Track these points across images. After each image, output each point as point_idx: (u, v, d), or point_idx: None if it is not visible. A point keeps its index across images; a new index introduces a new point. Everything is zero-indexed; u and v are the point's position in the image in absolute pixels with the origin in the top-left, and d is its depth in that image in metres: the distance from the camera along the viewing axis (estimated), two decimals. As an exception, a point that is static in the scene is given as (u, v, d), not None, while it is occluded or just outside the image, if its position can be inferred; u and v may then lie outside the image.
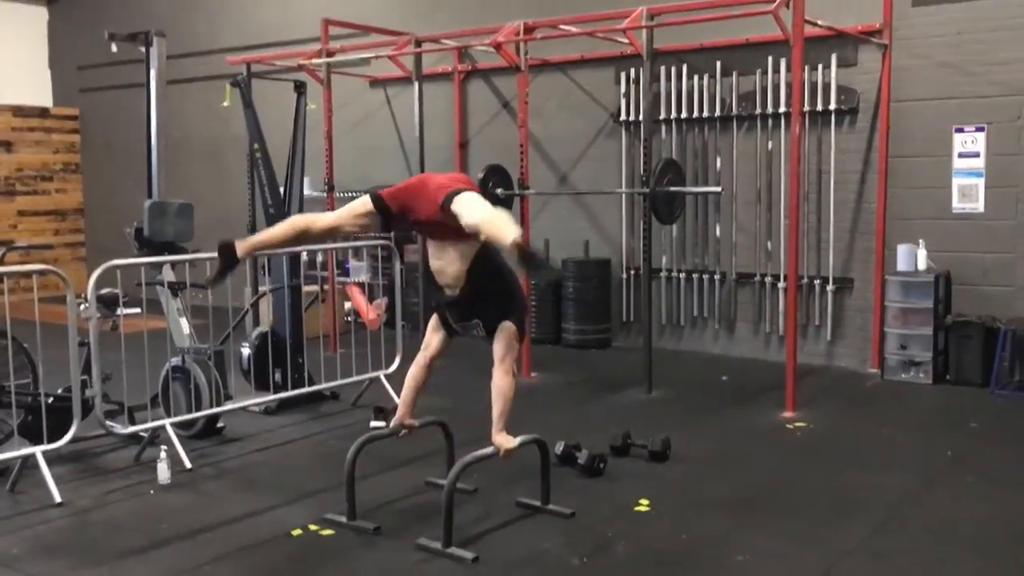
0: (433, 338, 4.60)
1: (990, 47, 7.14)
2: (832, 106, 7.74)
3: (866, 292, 7.80)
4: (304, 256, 7.98)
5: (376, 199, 4.36)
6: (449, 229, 4.20)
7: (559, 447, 5.23)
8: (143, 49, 6.25)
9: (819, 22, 6.91)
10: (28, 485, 4.96)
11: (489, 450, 4.35)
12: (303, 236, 4.55)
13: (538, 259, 4.34)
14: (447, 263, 4.34)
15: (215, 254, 4.51)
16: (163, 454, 5.12)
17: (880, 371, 7.49)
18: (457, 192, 4.16)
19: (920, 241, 7.36)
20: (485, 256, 4.33)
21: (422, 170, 9.10)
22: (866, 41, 7.54)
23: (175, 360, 5.90)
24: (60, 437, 5.02)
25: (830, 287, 7.94)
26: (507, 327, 4.38)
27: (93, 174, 13.64)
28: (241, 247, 4.48)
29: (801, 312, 7.93)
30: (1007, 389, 6.93)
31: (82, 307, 5.12)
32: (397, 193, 4.37)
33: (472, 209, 4.08)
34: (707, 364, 8.21)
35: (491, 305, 4.40)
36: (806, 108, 7.72)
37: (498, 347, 4.35)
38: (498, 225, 3.99)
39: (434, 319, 4.61)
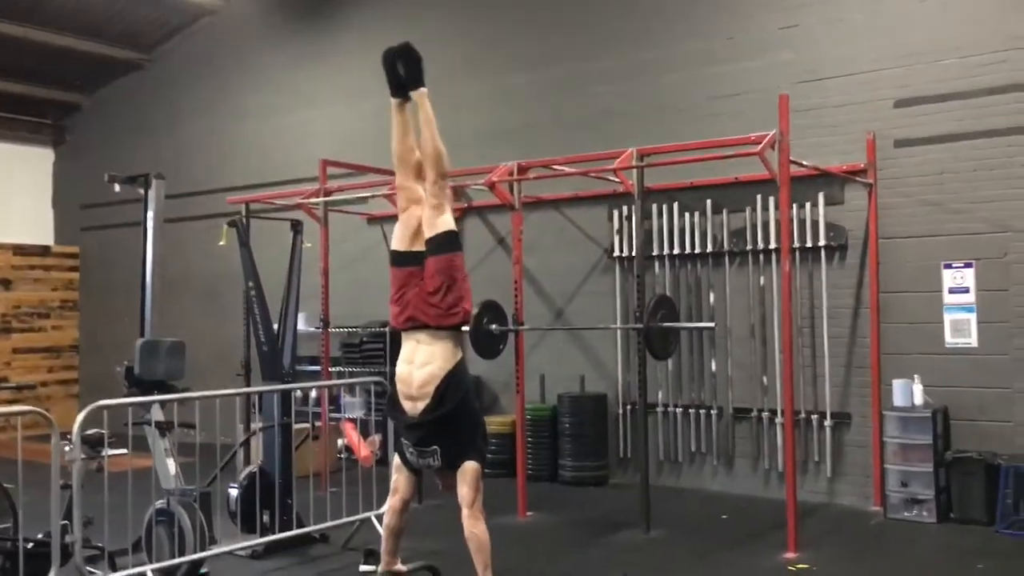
0: (399, 480, 4.53)
1: (973, 185, 7.31)
2: (821, 242, 7.86)
3: (864, 427, 7.72)
4: (298, 393, 7.93)
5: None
6: (436, 297, 4.23)
7: (553, 593, 5.05)
8: (142, 191, 6.38)
9: (804, 162, 7.10)
10: (0, 636, 4.76)
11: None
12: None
13: None
14: (420, 362, 4.30)
15: (207, 392, 4.47)
16: (143, 602, 4.93)
17: (883, 509, 7.33)
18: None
19: (915, 376, 7.33)
20: (460, 373, 4.31)
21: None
22: (852, 180, 7.73)
23: (160, 503, 5.76)
24: (37, 584, 4.84)
25: (828, 422, 7.86)
26: (471, 468, 4.31)
27: (90, 311, 13.71)
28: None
29: (800, 448, 7.82)
30: (1012, 528, 6.75)
31: (67, 448, 5.03)
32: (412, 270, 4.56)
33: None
34: (706, 502, 8.03)
35: (453, 434, 4.32)
36: (796, 244, 7.83)
37: (464, 490, 4.27)
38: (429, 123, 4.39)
39: (396, 459, 4.55)
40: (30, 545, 5.18)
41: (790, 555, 6.19)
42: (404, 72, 4.60)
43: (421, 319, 4.38)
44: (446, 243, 4.49)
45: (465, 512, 4.21)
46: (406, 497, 4.49)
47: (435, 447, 4.29)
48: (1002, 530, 6.72)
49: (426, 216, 4.53)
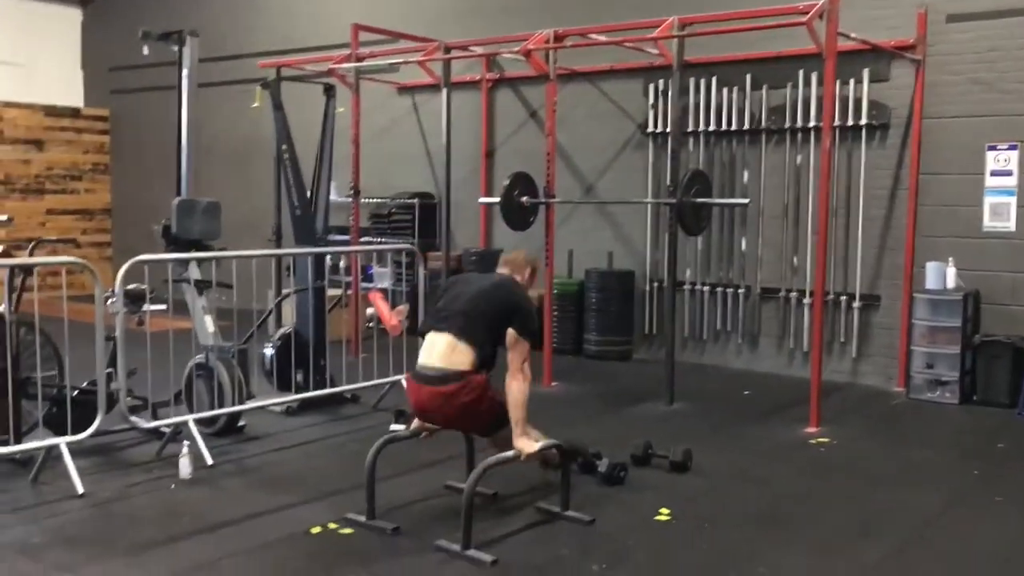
0: None
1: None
2: (863, 121, 7.68)
3: (893, 310, 7.72)
4: (328, 260, 8.01)
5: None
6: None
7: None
8: (176, 49, 6.29)
9: (852, 35, 6.87)
10: (51, 476, 4.99)
11: (510, 454, 4.33)
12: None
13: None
14: None
15: (243, 252, 4.55)
16: (185, 450, 5.13)
17: (906, 390, 7.41)
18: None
19: (949, 259, 7.28)
20: None
21: (448, 180, 9.11)
22: (899, 56, 7.49)
23: (199, 358, 5.92)
24: (84, 430, 5.04)
25: (856, 304, 7.87)
26: (510, 334, 4.37)
27: (121, 174, 13.77)
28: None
29: (826, 328, 7.85)
30: (1035, 411, 6.83)
31: (109, 302, 5.15)
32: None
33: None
34: (729, 378, 8.15)
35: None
36: (836, 123, 7.65)
37: (511, 356, 4.35)
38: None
39: None
40: (76, 392, 5.37)
41: (811, 430, 6.30)
42: None
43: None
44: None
45: (508, 373, 4.31)
46: None
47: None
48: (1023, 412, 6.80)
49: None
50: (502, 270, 4.76)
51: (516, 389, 4.27)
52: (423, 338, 4.54)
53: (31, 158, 12.98)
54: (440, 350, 4.38)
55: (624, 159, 9.13)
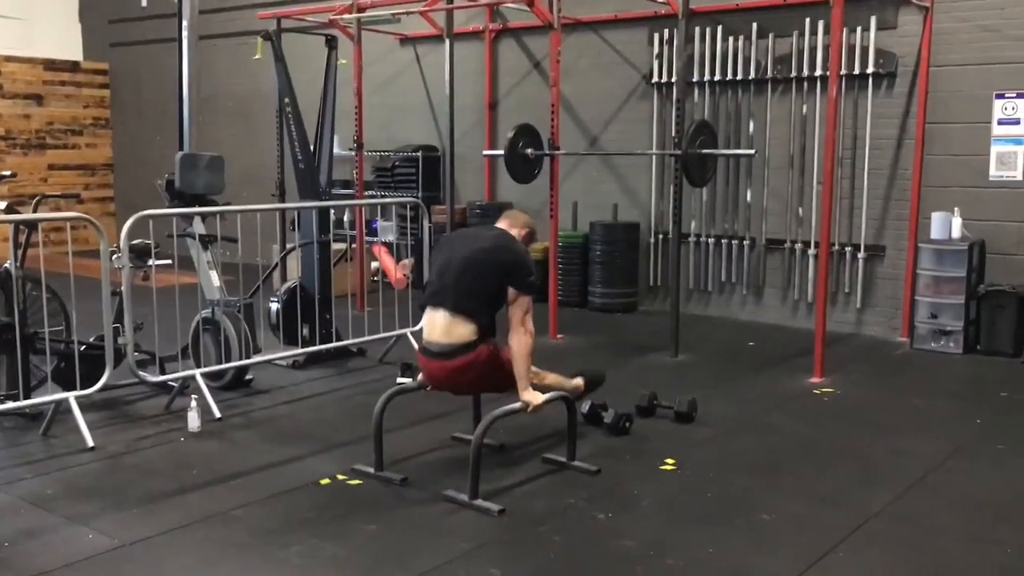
0: None
1: (1035, 11, 6.98)
2: (870, 70, 7.60)
3: (898, 260, 7.71)
4: (332, 213, 8.00)
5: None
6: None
7: (585, 406, 5.24)
8: (175, 0, 6.22)
9: (860, -18, 6.77)
10: (61, 430, 5.04)
11: (516, 405, 4.36)
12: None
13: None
14: None
15: (248, 206, 4.54)
16: (193, 403, 5.18)
17: (909, 340, 7.43)
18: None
19: (955, 209, 7.25)
20: None
21: (452, 132, 9.04)
22: (907, 3, 7.39)
23: (205, 312, 5.94)
24: (92, 384, 5.09)
25: (861, 254, 7.85)
26: (510, 292, 4.37)
27: (122, 129, 13.69)
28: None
29: (831, 279, 7.85)
30: (1039, 360, 6.85)
31: (115, 257, 5.16)
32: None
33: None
34: (734, 330, 8.17)
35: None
36: (843, 71, 7.57)
37: (513, 310, 4.34)
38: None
39: None
40: (83, 347, 5.40)
41: (815, 379, 6.34)
42: None
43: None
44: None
45: (510, 328, 4.31)
46: None
47: None
48: (1027, 362, 6.82)
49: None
50: (501, 223, 4.74)
51: (517, 343, 4.28)
52: (423, 311, 4.53)
53: (31, 113, 12.90)
54: (440, 326, 4.38)
55: (629, 110, 9.05)
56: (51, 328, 5.23)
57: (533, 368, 4.48)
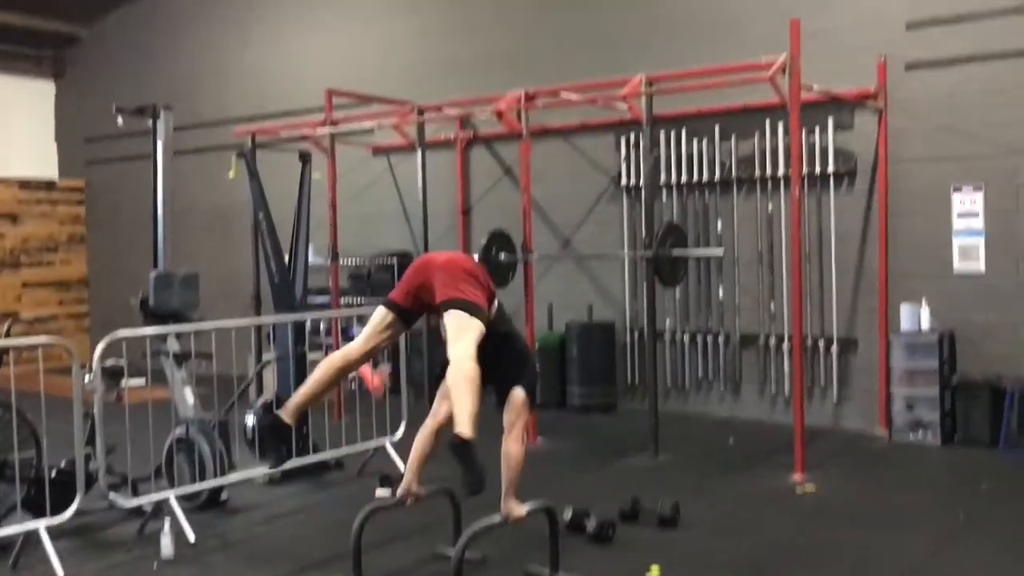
0: (441, 406, 4.57)
1: (984, 109, 7.25)
2: (831, 168, 7.83)
3: (871, 352, 7.79)
4: (308, 323, 8.00)
5: (391, 306, 4.43)
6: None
7: (568, 514, 5.18)
8: (150, 122, 6.34)
9: (815, 87, 7.03)
10: (31, 560, 4.90)
11: (496, 518, 4.31)
12: (343, 371, 4.59)
13: (469, 457, 3.89)
14: None
15: (223, 322, 4.52)
16: (167, 527, 5.06)
17: (888, 432, 7.44)
18: (451, 301, 4.23)
19: (923, 300, 7.37)
20: (494, 326, 4.37)
21: (425, 238, 9.16)
22: (862, 104, 7.66)
23: (179, 431, 5.87)
24: (63, 511, 4.97)
25: (835, 347, 7.93)
26: (518, 395, 4.38)
27: (98, 245, 13.73)
28: (287, 414, 4.51)
29: (807, 373, 7.91)
30: (1016, 449, 6.87)
31: (87, 378, 5.11)
32: (406, 289, 4.46)
33: (451, 339, 4.15)
34: (714, 427, 8.16)
35: (502, 369, 4.40)
36: (805, 171, 7.79)
37: (509, 415, 4.34)
38: (456, 389, 4.00)
39: (443, 386, 4.59)
40: (54, 473, 5.30)
41: (797, 477, 6.31)
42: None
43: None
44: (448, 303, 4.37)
45: (506, 435, 4.31)
46: (443, 422, 4.56)
47: (488, 385, 4.37)
48: (1006, 452, 6.84)
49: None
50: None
51: (517, 452, 4.28)
52: None
53: (5, 232, 12.92)
54: None
55: (600, 212, 9.22)
56: (21, 455, 5.13)
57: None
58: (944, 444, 7.12)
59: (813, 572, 4.60)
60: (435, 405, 4.62)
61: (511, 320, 4.70)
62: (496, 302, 4.56)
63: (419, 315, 4.55)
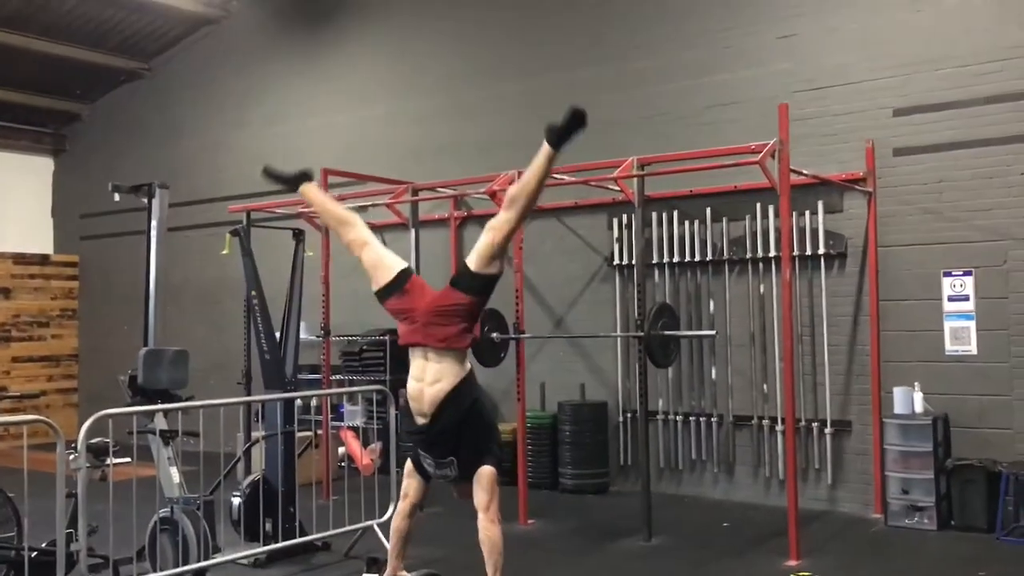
0: (410, 485, 4.51)
1: (972, 193, 7.36)
2: (821, 250, 7.90)
3: (865, 435, 7.74)
4: (299, 401, 7.94)
5: (404, 272, 4.57)
6: (447, 326, 4.24)
7: (558, 602, 5.06)
8: (145, 200, 6.39)
9: (804, 171, 7.14)
10: (5, 646, 4.75)
11: (485, 607, 4.21)
12: (342, 225, 4.80)
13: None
14: (431, 380, 4.30)
15: (212, 401, 4.49)
16: (147, 612, 4.93)
17: (884, 516, 7.35)
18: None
19: (916, 384, 7.36)
20: (468, 384, 4.33)
21: (418, 314, 9.15)
22: (851, 188, 7.77)
23: (163, 511, 5.76)
24: (41, 593, 4.85)
25: (828, 430, 7.88)
26: (487, 472, 4.31)
27: (90, 319, 13.71)
28: (310, 184, 4.94)
29: (800, 456, 7.85)
30: (1013, 535, 6.77)
31: (71, 457, 5.03)
32: (400, 297, 4.54)
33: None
34: (707, 509, 8.05)
35: (468, 441, 4.32)
36: (796, 252, 7.86)
37: (480, 495, 4.27)
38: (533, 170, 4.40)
39: (408, 464, 4.54)
40: (34, 554, 5.18)
41: (792, 563, 6.20)
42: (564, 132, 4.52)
43: (430, 343, 4.38)
44: (487, 287, 4.51)
45: (481, 516, 4.23)
46: (415, 501, 4.51)
47: (451, 458, 4.30)
48: (1003, 537, 6.75)
49: (483, 244, 4.49)
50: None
51: (498, 535, 4.22)
52: None
53: (-3, 306, 12.93)
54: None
55: (592, 291, 9.25)
56: (2, 535, 5.02)
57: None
58: (940, 528, 7.02)
59: (809, 663, 4.48)
60: (404, 485, 4.54)
61: (480, 386, 4.63)
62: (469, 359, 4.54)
63: (391, 299, 4.62)
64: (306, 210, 9.06)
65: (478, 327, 4.55)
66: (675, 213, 8.69)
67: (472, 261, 4.43)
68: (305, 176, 4.96)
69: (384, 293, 4.57)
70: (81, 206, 13.56)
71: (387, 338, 10.15)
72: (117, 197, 6.67)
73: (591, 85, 9.32)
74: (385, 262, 4.60)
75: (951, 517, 7.11)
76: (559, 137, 4.45)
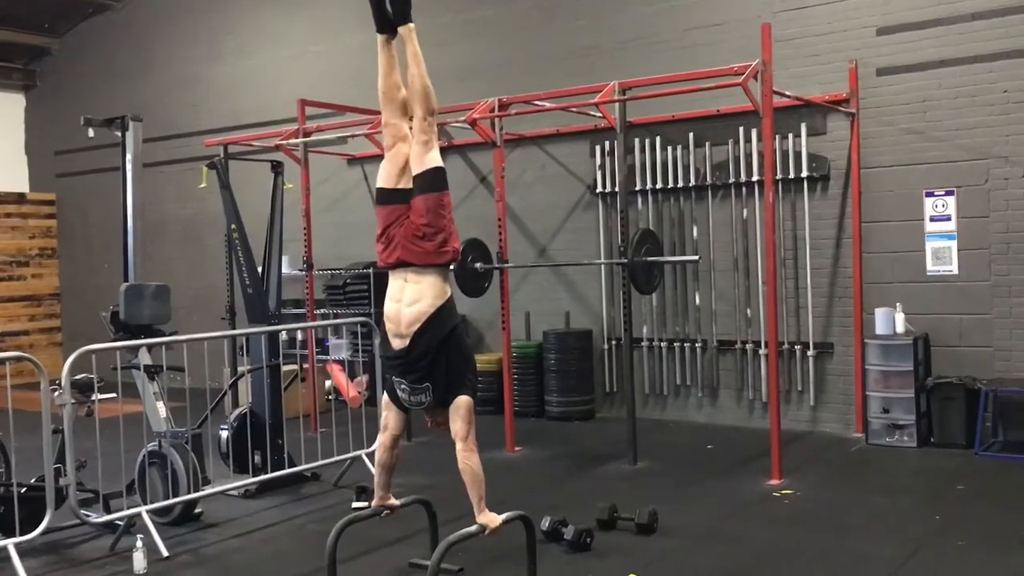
0: (388, 417, 4.51)
1: (954, 113, 7.32)
2: (804, 173, 7.87)
3: (846, 356, 7.82)
4: (283, 335, 7.93)
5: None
6: (424, 242, 4.28)
7: (545, 523, 5.15)
8: (119, 134, 6.28)
9: (787, 93, 7.07)
10: (-1, 580, 4.81)
11: (473, 528, 4.27)
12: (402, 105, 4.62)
13: None
14: (409, 300, 4.29)
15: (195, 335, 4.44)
16: (139, 543, 4.98)
17: (864, 435, 7.47)
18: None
19: (897, 304, 7.42)
20: (447, 309, 4.33)
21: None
22: (834, 110, 7.71)
23: (151, 445, 5.79)
24: (33, 528, 4.88)
25: (811, 352, 7.96)
26: (463, 402, 4.30)
27: (69, 258, 13.59)
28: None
29: (783, 378, 7.94)
30: (991, 450, 6.91)
31: (56, 394, 5.03)
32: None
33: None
34: (692, 433, 8.16)
35: (444, 370, 4.31)
36: (778, 176, 7.84)
37: (458, 425, 4.27)
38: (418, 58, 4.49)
39: (384, 397, 4.54)
40: (23, 490, 5.20)
41: (774, 482, 6.31)
42: (391, 7, 4.51)
43: (408, 259, 4.35)
44: (434, 181, 4.44)
45: (459, 446, 4.24)
46: (396, 433, 4.52)
47: (427, 384, 4.29)
48: (981, 453, 6.88)
49: (414, 153, 4.49)
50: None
51: (477, 463, 4.23)
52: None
53: (-25, 246, 12.79)
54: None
55: (575, 219, 9.22)
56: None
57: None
58: (920, 446, 7.15)
59: (791, 577, 4.59)
60: (383, 417, 4.53)
61: (458, 315, 4.60)
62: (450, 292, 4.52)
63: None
64: (283, 142, 8.93)
65: (457, 240, 4.48)
66: (657, 139, 8.62)
67: (416, 169, 4.39)
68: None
69: (389, 197, 4.49)
70: (55, 143, 13.32)
71: (370, 271, 10.13)
72: (91, 133, 6.55)
73: (570, 10, 9.16)
74: (397, 164, 4.51)
75: (931, 434, 7.24)
76: (403, 14, 4.52)
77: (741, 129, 8.13)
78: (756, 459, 6.85)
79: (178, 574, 4.99)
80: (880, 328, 7.39)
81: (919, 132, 7.45)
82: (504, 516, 4.36)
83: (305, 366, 8.77)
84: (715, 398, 8.54)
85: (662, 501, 5.64)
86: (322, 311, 10.06)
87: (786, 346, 8.02)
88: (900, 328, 7.35)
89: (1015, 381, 7.03)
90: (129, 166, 6.23)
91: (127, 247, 6.23)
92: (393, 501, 4.61)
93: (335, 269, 10.38)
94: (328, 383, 9.87)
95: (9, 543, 4.79)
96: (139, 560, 4.93)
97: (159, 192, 11.71)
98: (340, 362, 9.72)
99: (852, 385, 7.75)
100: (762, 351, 8.13)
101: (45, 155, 13.65)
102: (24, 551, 4.87)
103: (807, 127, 7.84)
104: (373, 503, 4.62)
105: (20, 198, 13.38)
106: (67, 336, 13.27)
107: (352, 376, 9.82)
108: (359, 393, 9.10)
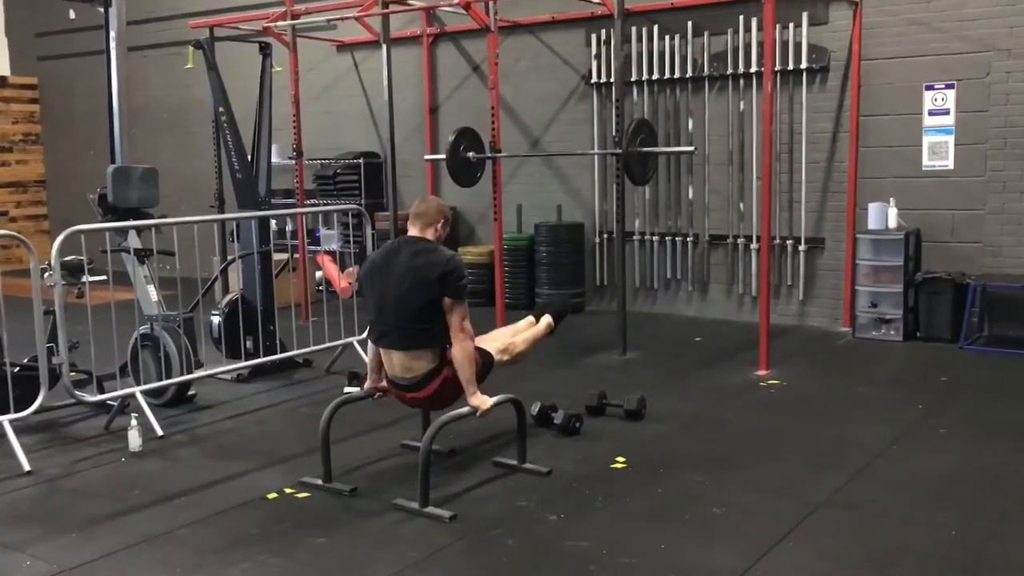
0: None
1: (959, 3, 7.14)
2: (803, 65, 7.72)
3: (838, 251, 7.84)
4: (273, 224, 7.87)
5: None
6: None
7: (535, 408, 5.23)
8: (101, 11, 6.07)
9: (790, -21, 6.87)
10: (-5, 455, 4.88)
11: (465, 410, 4.32)
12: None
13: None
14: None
15: (184, 219, 4.38)
16: (134, 422, 5.04)
17: (852, 329, 7.55)
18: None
19: (891, 199, 7.39)
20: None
21: (392, 138, 8.95)
22: (837, -1, 7.52)
23: (144, 328, 5.80)
24: (27, 407, 4.93)
25: (802, 247, 7.97)
26: (454, 303, 4.30)
27: (54, 144, 13.35)
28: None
29: (774, 273, 7.97)
30: (976, 344, 7.01)
31: (46, 275, 5.00)
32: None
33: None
34: (681, 326, 8.23)
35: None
36: (777, 67, 7.69)
37: (451, 318, 4.27)
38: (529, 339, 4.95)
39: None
40: (16, 369, 5.23)
41: (762, 372, 6.40)
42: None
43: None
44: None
45: (453, 335, 4.25)
46: None
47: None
48: (966, 346, 6.98)
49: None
50: (413, 229, 4.50)
51: (459, 351, 4.25)
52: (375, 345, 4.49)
53: (-43, 130, 12.53)
54: (399, 364, 4.35)
55: (569, 111, 9.08)
56: (-19, 351, 5.05)
57: (505, 342, 4.73)
58: (906, 339, 7.24)
59: (774, 463, 4.69)
60: None
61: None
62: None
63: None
64: (271, 25, 8.68)
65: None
66: (655, 28, 8.41)
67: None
68: None
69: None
70: (36, 24, 12.92)
71: (361, 161, 10.01)
72: (72, 14, 6.35)
73: None
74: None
75: (917, 328, 7.32)
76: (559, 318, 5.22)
77: (741, 18, 7.94)
78: (744, 351, 6.93)
79: (173, 452, 5.07)
80: (872, 223, 7.38)
81: (922, 23, 7.29)
82: (495, 399, 4.41)
83: (295, 256, 8.73)
84: (705, 292, 8.58)
85: (650, 389, 5.72)
86: (312, 201, 9.98)
87: (778, 241, 8.02)
88: (892, 223, 7.34)
89: (1003, 276, 7.08)
90: (113, 43, 6.04)
91: (113, 129, 6.11)
92: (385, 384, 4.65)
93: (325, 159, 10.26)
94: (319, 274, 9.86)
95: (4, 419, 4.84)
96: (134, 438, 5.00)
97: (144, 77, 11.44)
98: (331, 253, 9.71)
99: (842, 280, 7.79)
100: (753, 246, 8.13)
101: (26, 37, 13.25)
102: (20, 429, 4.93)
103: (809, 16, 7.65)
104: (365, 386, 4.67)
105: (1, 81, 13.05)
106: (54, 223, 13.15)
107: (342, 268, 9.82)
108: (349, 284, 9.11)
